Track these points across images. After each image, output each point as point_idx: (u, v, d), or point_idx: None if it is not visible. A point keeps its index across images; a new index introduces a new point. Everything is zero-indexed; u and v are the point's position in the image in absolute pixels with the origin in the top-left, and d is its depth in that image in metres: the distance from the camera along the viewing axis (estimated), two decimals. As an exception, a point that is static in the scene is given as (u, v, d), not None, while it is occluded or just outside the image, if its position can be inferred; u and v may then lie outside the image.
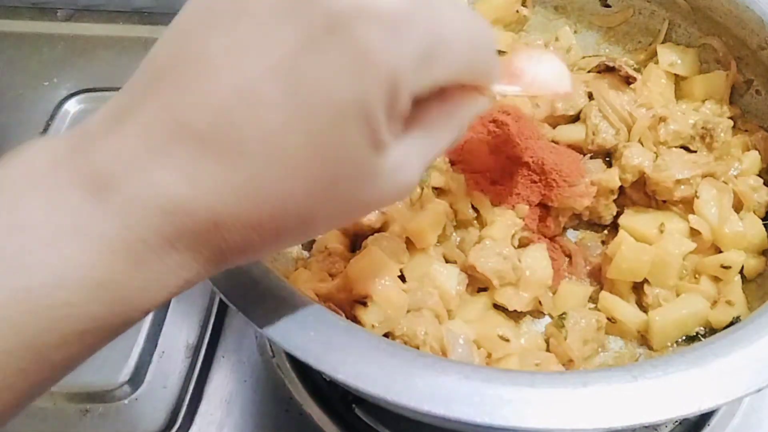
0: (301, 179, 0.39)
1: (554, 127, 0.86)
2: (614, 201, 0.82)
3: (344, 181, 0.40)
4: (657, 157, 0.79)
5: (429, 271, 0.72)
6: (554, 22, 0.98)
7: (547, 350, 0.74)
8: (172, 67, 0.38)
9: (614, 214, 0.83)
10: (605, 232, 0.85)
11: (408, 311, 0.68)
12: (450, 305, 0.72)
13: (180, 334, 0.85)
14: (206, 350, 0.83)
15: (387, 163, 0.41)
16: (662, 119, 0.81)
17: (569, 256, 0.82)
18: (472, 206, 0.80)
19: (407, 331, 0.66)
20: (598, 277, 0.81)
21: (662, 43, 0.92)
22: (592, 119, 0.82)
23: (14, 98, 1.08)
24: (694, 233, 0.77)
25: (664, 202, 0.79)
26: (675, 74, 0.89)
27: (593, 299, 0.79)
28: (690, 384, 0.52)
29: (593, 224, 0.85)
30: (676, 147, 0.81)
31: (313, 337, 0.53)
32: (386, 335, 0.66)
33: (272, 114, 0.37)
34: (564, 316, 0.74)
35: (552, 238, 0.83)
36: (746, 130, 0.84)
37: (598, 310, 0.78)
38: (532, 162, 0.79)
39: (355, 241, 0.77)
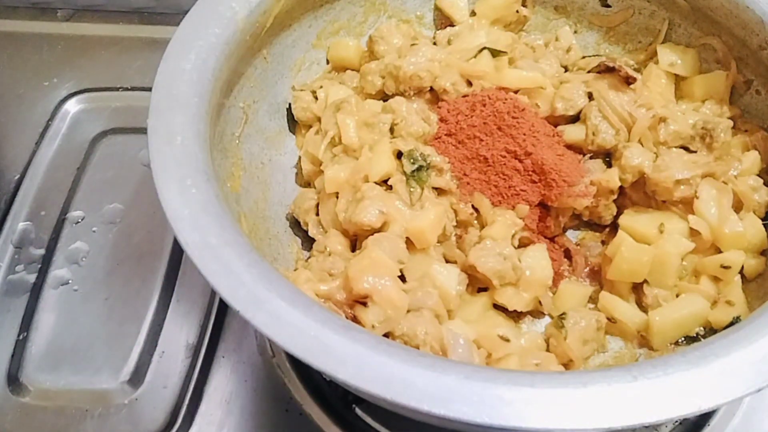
0: None
1: (554, 127, 0.86)
2: (614, 201, 0.82)
3: None
4: (657, 157, 0.79)
5: (429, 271, 0.72)
6: (554, 22, 0.98)
7: (547, 350, 0.75)
8: None
9: (614, 214, 0.83)
10: (605, 232, 0.85)
11: (408, 311, 0.68)
12: (450, 305, 0.72)
13: (180, 334, 0.85)
14: (206, 350, 0.83)
15: None
16: (662, 119, 0.81)
17: (569, 257, 0.83)
18: (472, 206, 0.80)
19: (407, 331, 0.66)
20: (598, 277, 0.81)
21: (662, 43, 0.92)
22: (592, 119, 0.82)
23: (14, 98, 1.08)
24: (693, 233, 0.77)
25: (664, 202, 0.79)
26: (675, 74, 0.89)
27: (593, 299, 0.79)
28: (690, 384, 0.53)
29: (593, 224, 0.85)
30: (676, 147, 0.81)
31: (313, 337, 0.53)
32: (386, 335, 0.66)
33: None
34: (564, 316, 0.74)
35: (552, 238, 0.83)
36: (746, 130, 0.84)
37: (598, 310, 0.78)
38: (532, 161, 0.79)
39: (355, 241, 0.77)
